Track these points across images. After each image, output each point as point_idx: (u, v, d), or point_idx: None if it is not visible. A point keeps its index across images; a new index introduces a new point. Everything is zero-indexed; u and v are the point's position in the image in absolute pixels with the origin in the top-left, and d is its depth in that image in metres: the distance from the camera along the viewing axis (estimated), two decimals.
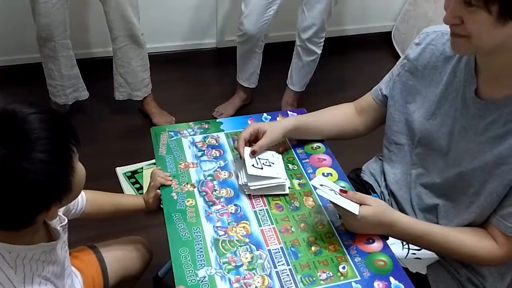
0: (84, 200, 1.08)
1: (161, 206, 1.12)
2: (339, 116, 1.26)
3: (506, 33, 0.82)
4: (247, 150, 1.11)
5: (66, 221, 0.96)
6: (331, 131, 1.25)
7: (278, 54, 2.48)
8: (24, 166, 0.70)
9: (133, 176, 1.98)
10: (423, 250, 1.07)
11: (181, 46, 2.72)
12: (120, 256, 1.18)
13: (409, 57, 1.12)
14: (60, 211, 0.95)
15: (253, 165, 1.10)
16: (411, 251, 1.08)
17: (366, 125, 1.25)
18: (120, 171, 2.00)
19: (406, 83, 1.12)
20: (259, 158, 1.12)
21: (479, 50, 0.91)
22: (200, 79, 2.68)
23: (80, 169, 0.82)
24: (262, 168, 1.10)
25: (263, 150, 1.14)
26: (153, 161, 2.02)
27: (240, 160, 1.14)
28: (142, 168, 2.01)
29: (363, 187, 1.24)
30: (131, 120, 2.34)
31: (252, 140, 1.15)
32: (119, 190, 1.92)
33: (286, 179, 1.10)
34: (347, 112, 1.26)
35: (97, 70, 2.36)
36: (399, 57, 2.82)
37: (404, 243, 1.08)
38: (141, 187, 1.93)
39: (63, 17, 1.96)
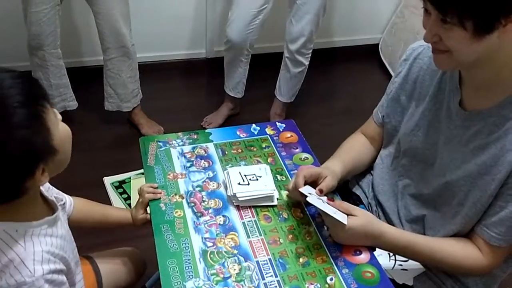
0: (71, 205, 1.08)
1: (148, 218, 1.12)
2: (363, 151, 1.25)
3: (483, 47, 0.84)
4: (307, 189, 1.05)
5: (64, 200, 0.98)
6: (360, 169, 1.26)
7: (265, 65, 2.50)
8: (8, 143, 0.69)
9: (120, 186, 1.97)
10: (409, 261, 1.08)
11: (170, 56, 2.73)
12: (115, 268, 1.18)
13: (400, 74, 1.14)
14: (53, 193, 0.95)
15: (239, 183, 1.10)
16: (397, 263, 1.09)
17: (379, 149, 1.25)
18: (108, 181, 1.99)
19: (398, 99, 1.14)
20: (245, 175, 1.13)
21: (461, 65, 0.94)
22: (189, 89, 2.69)
23: (62, 130, 0.80)
24: (248, 184, 1.11)
25: (269, 173, 1.14)
26: (141, 171, 2.01)
27: (228, 171, 1.14)
28: (130, 178, 2.00)
29: (351, 197, 1.25)
30: (119, 130, 2.33)
31: (309, 182, 1.08)
32: (107, 200, 1.91)
33: (274, 190, 1.11)
34: (366, 146, 1.26)
35: (88, 79, 2.36)
36: (386, 68, 2.87)
37: (391, 254, 1.09)
38: (128, 197, 1.92)
39: (54, 26, 1.96)
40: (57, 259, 0.82)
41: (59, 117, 0.82)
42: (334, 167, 1.14)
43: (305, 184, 1.06)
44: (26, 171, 0.74)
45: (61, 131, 0.80)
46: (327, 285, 0.93)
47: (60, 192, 1.04)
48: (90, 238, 1.52)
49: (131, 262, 1.23)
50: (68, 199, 1.07)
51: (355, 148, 1.25)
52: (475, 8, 0.80)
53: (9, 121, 0.70)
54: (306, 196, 1.01)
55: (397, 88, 1.15)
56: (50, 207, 0.90)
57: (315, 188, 1.06)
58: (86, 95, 2.32)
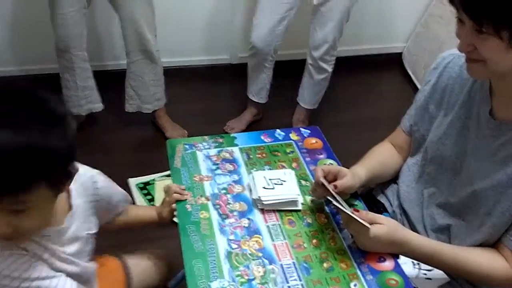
0: (123, 211, 1.12)
1: (174, 220, 1.14)
2: (389, 159, 1.25)
3: None
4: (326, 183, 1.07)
5: (95, 230, 1.00)
6: (385, 177, 1.25)
7: (288, 72, 2.51)
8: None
9: (145, 188, 2.00)
10: (434, 270, 1.08)
11: (195, 61, 2.76)
12: (143, 267, 1.20)
13: (429, 82, 1.14)
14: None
15: (263, 187, 1.11)
16: (422, 271, 1.08)
17: (406, 158, 1.24)
18: (133, 182, 2.02)
19: (426, 108, 1.14)
20: (270, 179, 1.14)
21: (495, 74, 0.93)
22: (212, 94, 2.71)
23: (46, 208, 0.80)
24: (273, 188, 1.12)
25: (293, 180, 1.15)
26: (165, 173, 2.06)
27: (253, 174, 1.15)
28: (154, 179, 2.03)
29: (375, 205, 1.25)
30: (143, 132, 2.37)
31: (330, 179, 1.09)
32: (131, 201, 1.94)
33: (299, 195, 1.11)
34: (393, 155, 1.26)
35: (112, 83, 2.40)
36: (409, 77, 2.86)
37: (415, 263, 1.08)
38: (152, 199, 1.95)
39: (80, 29, 2.01)
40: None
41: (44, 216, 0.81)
42: (357, 171, 1.14)
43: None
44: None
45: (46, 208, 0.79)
46: None
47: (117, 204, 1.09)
48: (114, 238, 1.56)
49: (159, 263, 1.25)
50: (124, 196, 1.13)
51: (381, 155, 1.25)
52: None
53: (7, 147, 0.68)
54: (330, 202, 1.01)
55: (426, 97, 1.15)
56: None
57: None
58: (109, 98, 2.36)
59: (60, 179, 0.79)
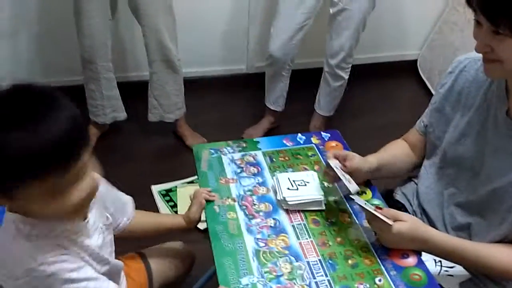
0: (130, 218, 1.12)
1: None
2: (404, 157, 1.29)
3: None
4: (335, 162, 1.15)
5: (110, 221, 1.01)
6: (400, 170, 1.29)
7: (305, 80, 2.56)
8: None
9: (167, 194, 2.05)
10: (455, 267, 1.11)
11: (213, 71, 2.83)
12: (165, 265, 1.24)
13: (444, 85, 1.18)
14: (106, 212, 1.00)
15: (288, 188, 1.16)
16: (443, 268, 1.11)
17: (420, 157, 1.28)
18: (155, 189, 2.08)
19: (442, 110, 1.18)
20: (293, 180, 1.18)
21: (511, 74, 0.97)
22: (230, 103, 2.77)
23: (81, 185, 0.79)
24: (297, 189, 1.16)
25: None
26: (187, 180, 2.12)
27: (277, 176, 1.20)
28: (176, 186, 2.09)
29: (396, 206, 1.28)
30: (165, 141, 2.43)
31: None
32: (154, 207, 2.00)
33: (322, 195, 1.16)
34: (406, 150, 1.30)
35: (134, 93, 2.47)
36: (424, 84, 2.88)
37: (437, 260, 1.12)
38: (175, 205, 2.00)
39: (105, 39, 2.08)
40: (61, 248, 0.84)
41: (92, 176, 0.82)
42: (368, 158, 1.21)
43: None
44: (14, 173, 0.73)
45: (79, 184, 0.79)
46: (376, 286, 0.97)
47: (120, 210, 1.09)
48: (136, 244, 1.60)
49: (181, 257, 1.29)
50: (124, 217, 1.11)
51: (394, 149, 1.30)
52: None
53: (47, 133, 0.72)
54: (353, 201, 1.05)
55: (442, 99, 1.18)
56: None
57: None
58: (133, 108, 2.43)
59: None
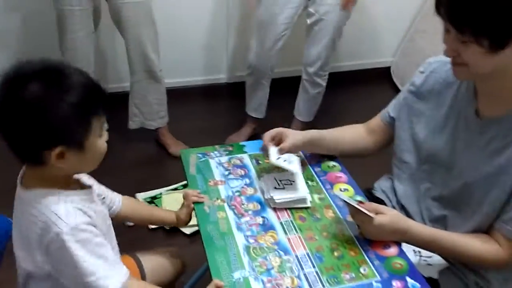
0: (120, 201, 1.20)
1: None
2: (352, 134, 1.39)
3: (497, 61, 0.96)
4: (273, 150, 1.23)
5: (103, 196, 1.13)
6: (345, 148, 1.37)
7: (284, 88, 2.63)
8: (51, 102, 0.85)
9: (152, 202, 2.08)
10: (434, 257, 1.18)
11: (193, 81, 2.88)
12: (156, 264, 1.27)
13: (415, 83, 1.25)
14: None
15: (275, 187, 1.21)
16: (422, 258, 1.18)
17: (376, 144, 1.37)
18: (140, 197, 2.10)
19: (412, 106, 1.26)
20: (280, 180, 1.24)
21: (477, 76, 1.05)
22: (211, 112, 2.83)
23: (99, 142, 0.94)
24: (283, 188, 1.22)
25: (285, 151, 1.25)
26: (172, 187, 2.15)
27: (264, 177, 1.25)
28: (161, 193, 2.12)
29: (376, 202, 1.34)
30: (147, 150, 2.47)
31: (276, 143, 1.26)
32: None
33: (307, 193, 1.22)
34: (359, 132, 1.39)
35: (115, 104, 2.49)
36: (398, 89, 2.99)
37: (416, 250, 1.18)
38: None
39: (87, 52, 2.11)
40: (87, 215, 0.93)
41: (106, 136, 0.96)
42: (305, 131, 1.32)
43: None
44: (46, 141, 0.86)
45: (98, 143, 0.94)
46: (361, 274, 1.03)
47: (109, 192, 1.17)
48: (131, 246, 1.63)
49: (172, 260, 1.32)
50: (116, 198, 1.19)
51: (344, 128, 1.42)
52: (490, 28, 0.92)
53: (65, 101, 0.85)
54: (337, 197, 1.12)
55: (412, 96, 1.26)
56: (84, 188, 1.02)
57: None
58: (114, 119, 2.43)
59: None
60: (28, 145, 0.88)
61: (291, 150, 1.26)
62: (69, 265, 0.88)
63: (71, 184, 0.97)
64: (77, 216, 0.90)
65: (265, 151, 1.27)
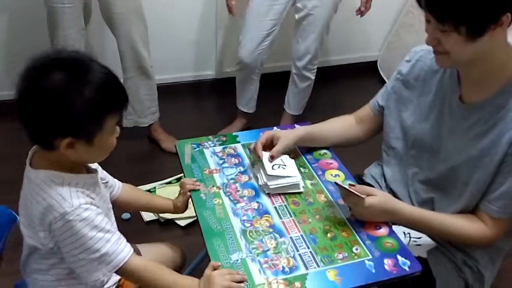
0: (120, 186, 1.23)
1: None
2: (342, 125, 1.43)
3: (476, 48, 1.01)
4: (265, 154, 1.27)
5: (111, 183, 1.19)
6: (336, 139, 1.42)
7: (274, 83, 2.68)
8: (70, 94, 0.88)
9: None
10: (423, 237, 1.23)
11: (183, 77, 2.91)
12: (155, 256, 1.29)
13: (402, 72, 1.30)
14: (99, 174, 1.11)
15: (268, 174, 1.25)
16: (412, 239, 1.23)
17: (365, 133, 1.42)
18: None
19: (400, 94, 1.30)
20: (273, 164, 1.28)
21: (458, 63, 1.10)
22: (202, 107, 2.86)
23: (109, 139, 0.97)
24: (279, 167, 1.26)
25: (279, 154, 1.29)
26: (166, 181, 2.18)
27: (258, 164, 1.29)
28: (155, 188, 2.14)
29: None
30: (140, 146, 2.48)
31: (268, 146, 1.30)
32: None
33: (300, 179, 1.26)
34: (348, 122, 1.43)
35: None
36: (385, 83, 3.04)
37: (406, 232, 1.23)
38: None
39: (78, 49, 2.11)
40: (89, 197, 0.96)
41: (117, 133, 0.99)
42: (296, 130, 1.37)
43: (264, 147, 1.30)
44: (59, 130, 0.90)
45: (109, 139, 0.97)
46: (353, 254, 1.07)
47: (110, 176, 1.21)
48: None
49: (171, 252, 1.35)
50: (117, 183, 1.23)
51: (333, 120, 1.45)
52: (468, 17, 0.96)
53: (84, 90, 0.88)
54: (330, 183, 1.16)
55: (400, 84, 1.30)
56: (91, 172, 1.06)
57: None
58: None
59: None
60: (42, 130, 0.91)
61: (284, 151, 1.30)
62: (75, 243, 0.92)
63: (77, 168, 1.00)
64: (80, 197, 0.94)
65: (255, 153, 1.30)
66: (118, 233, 0.99)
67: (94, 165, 1.09)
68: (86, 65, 0.91)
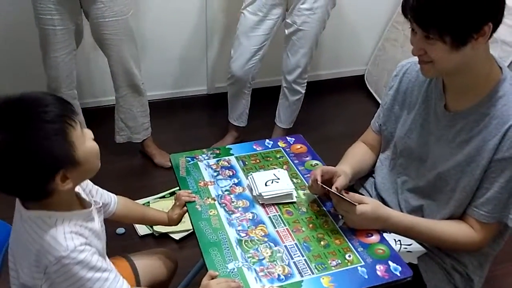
0: (115, 202, 1.24)
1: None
2: (365, 157, 1.44)
3: (460, 56, 1.06)
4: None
5: (107, 202, 1.17)
6: (363, 172, 1.44)
7: (265, 98, 2.73)
8: (20, 146, 0.84)
9: None
10: (413, 244, 1.26)
11: (175, 93, 2.94)
12: (149, 264, 1.32)
13: (392, 87, 1.35)
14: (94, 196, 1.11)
15: (265, 184, 1.28)
16: (403, 246, 1.26)
17: (377, 155, 1.44)
18: None
19: (392, 109, 1.35)
20: (267, 178, 1.31)
21: (443, 72, 1.15)
22: (194, 122, 2.89)
23: (88, 145, 0.94)
24: (272, 182, 1.29)
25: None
26: (159, 195, 2.20)
27: (252, 176, 1.32)
28: (149, 202, 2.16)
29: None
30: (133, 161, 2.50)
31: (326, 179, 1.25)
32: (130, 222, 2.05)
33: (293, 189, 1.29)
34: (365, 150, 1.45)
35: (99, 118, 2.54)
36: (372, 97, 3.12)
37: (397, 239, 1.27)
38: None
39: (70, 70, 2.15)
40: (83, 237, 0.94)
41: (89, 135, 0.97)
42: (344, 169, 1.32)
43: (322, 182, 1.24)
44: (46, 175, 0.87)
45: (87, 146, 0.93)
46: (346, 260, 1.10)
47: (105, 193, 1.22)
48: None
49: (165, 259, 1.36)
50: (113, 199, 1.24)
51: (358, 154, 1.45)
52: (452, 27, 1.01)
53: (37, 133, 0.85)
54: (326, 189, 1.19)
55: (391, 100, 1.36)
56: (84, 206, 1.03)
57: (331, 185, 1.23)
58: (98, 132, 2.48)
59: None
60: (33, 184, 0.88)
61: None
62: (73, 285, 0.91)
63: (72, 205, 0.99)
64: (74, 239, 0.91)
65: (313, 182, 1.24)
66: (114, 270, 0.99)
67: (90, 192, 1.09)
68: (21, 111, 0.87)
